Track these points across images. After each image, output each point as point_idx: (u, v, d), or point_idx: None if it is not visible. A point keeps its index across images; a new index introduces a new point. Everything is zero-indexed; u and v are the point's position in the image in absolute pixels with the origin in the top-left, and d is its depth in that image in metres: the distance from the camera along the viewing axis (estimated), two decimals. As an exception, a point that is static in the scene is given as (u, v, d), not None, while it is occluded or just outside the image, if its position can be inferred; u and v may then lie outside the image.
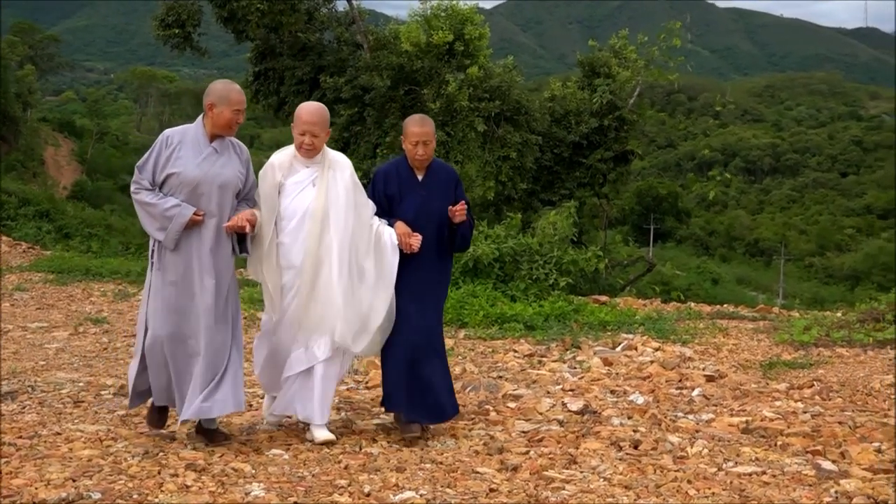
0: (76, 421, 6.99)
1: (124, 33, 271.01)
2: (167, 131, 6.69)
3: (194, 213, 6.38)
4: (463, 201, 7.19)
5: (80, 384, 8.26)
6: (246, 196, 6.71)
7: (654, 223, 78.94)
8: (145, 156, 6.56)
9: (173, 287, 6.41)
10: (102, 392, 8.00)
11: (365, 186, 7.06)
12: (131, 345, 10.22)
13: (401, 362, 6.94)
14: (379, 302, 6.90)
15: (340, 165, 6.90)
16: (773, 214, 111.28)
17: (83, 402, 7.65)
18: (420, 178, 7.18)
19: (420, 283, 7.05)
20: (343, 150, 17.89)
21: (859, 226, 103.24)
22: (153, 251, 6.54)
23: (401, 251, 6.92)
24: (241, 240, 6.63)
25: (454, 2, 21.44)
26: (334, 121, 20.84)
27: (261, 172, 6.79)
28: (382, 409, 7.38)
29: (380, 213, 7.03)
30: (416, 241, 6.94)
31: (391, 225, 6.99)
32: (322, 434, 6.63)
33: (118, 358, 9.58)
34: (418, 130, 7.08)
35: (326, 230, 6.68)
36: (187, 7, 21.35)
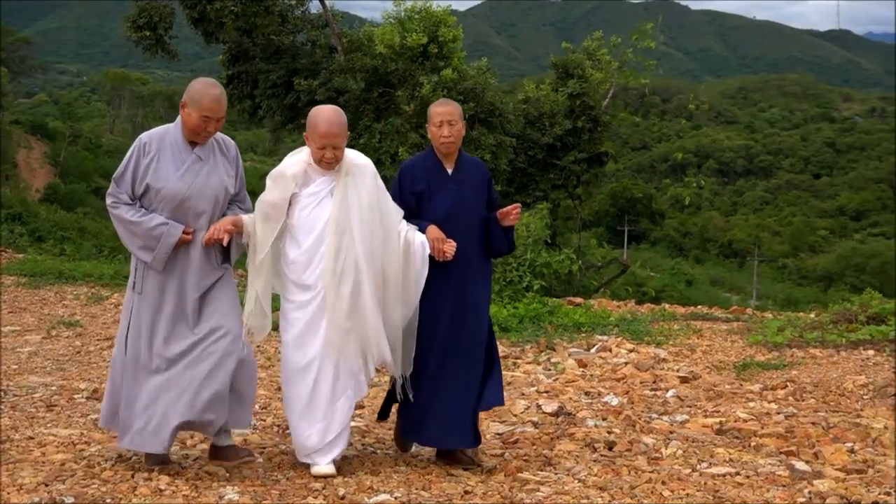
0: (49, 425, 6.95)
1: (97, 35, 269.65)
2: (143, 136, 5.98)
3: (183, 233, 5.76)
4: (518, 204, 6.51)
5: (53, 388, 8.20)
6: (237, 197, 6.12)
7: (628, 225, 79.18)
8: (121, 166, 5.88)
9: (158, 312, 5.79)
10: (75, 396, 7.95)
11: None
12: (105, 348, 10.18)
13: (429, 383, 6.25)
14: (401, 318, 6.21)
15: (361, 170, 6.15)
16: (747, 216, 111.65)
17: (56, 405, 7.60)
18: (450, 171, 6.45)
19: (455, 293, 6.31)
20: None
21: (832, 227, 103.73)
22: (135, 270, 5.92)
23: (432, 259, 6.19)
24: (226, 249, 5.96)
25: (428, 4, 21.46)
26: (305, 122, 20.83)
27: (269, 180, 6.10)
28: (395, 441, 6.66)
29: (406, 215, 6.29)
30: (450, 248, 6.19)
31: (422, 229, 6.23)
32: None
33: (91, 362, 9.53)
34: (442, 109, 6.42)
35: (351, 245, 5.97)
36: (159, 9, 21.26)
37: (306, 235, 6.02)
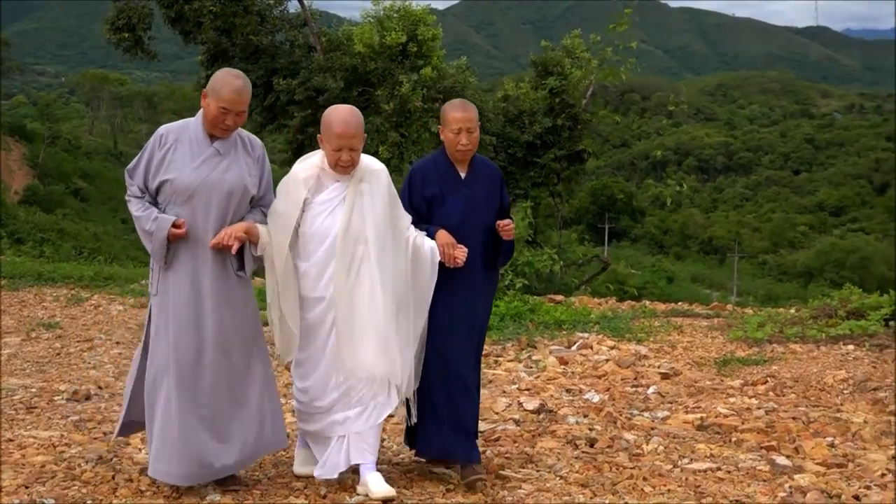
0: (29, 427, 6.91)
1: (75, 36, 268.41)
2: (161, 128, 5.66)
3: (173, 226, 5.39)
4: (509, 220, 6.12)
5: (33, 390, 8.15)
6: (261, 202, 5.72)
7: (608, 222, 79.37)
8: (136, 158, 5.60)
9: (174, 318, 5.45)
10: (55, 398, 7.91)
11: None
12: (84, 350, 10.15)
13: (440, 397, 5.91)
14: (415, 330, 5.86)
15: (376, 176, 5.75)
16: (727, 212, 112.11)
17: (36, 407, 7.56)
18: (463, 175, 6.07)
19: (462, 302, 5.98)
20: (297, 152, 17.85)
21: (812, 223, 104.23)
22: (151, 271, 5.63)
23: (441, 266, 5.85)
24: (242, 258, 5.61)
25: (407, 3, 21.47)
26: (286, 122, 20.83)
27: (280, 186, 5.74)
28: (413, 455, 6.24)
29: (416, 220, 5.92)
30: (461, 253, 5.81)
31: (431, 235, 5.87)
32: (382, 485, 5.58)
33: (71, 363, 9.48)
34: (460, 115, 5.96)
35: (366, 256, 5.60)
36: (138, 10, 21.21)
37: (318, 245, 5.63)
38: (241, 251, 5.57)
